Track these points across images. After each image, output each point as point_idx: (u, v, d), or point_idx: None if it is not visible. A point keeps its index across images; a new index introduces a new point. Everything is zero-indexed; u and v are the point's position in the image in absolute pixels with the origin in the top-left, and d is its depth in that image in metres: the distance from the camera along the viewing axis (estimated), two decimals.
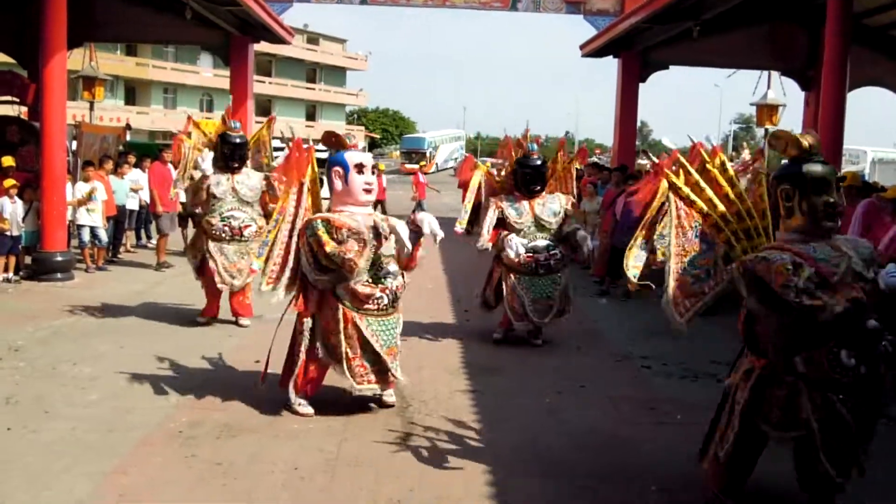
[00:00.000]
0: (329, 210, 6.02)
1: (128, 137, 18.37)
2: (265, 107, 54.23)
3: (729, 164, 4.77)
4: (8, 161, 11.18)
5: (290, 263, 5.91)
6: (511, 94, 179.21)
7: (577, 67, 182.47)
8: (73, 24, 11.54)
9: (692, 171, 4.66)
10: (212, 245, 8.52)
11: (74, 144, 13.89)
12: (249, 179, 8.65)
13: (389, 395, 6.13)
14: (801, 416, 4.14)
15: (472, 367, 7.36)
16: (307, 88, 61.72)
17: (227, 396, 6.21)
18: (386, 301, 5.83)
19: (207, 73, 51.48)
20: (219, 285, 8.59)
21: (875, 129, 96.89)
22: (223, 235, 8.51)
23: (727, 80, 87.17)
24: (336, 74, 65.20)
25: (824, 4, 10.06)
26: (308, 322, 5.96)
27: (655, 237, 6.03)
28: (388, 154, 66.73)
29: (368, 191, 5.96)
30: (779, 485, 4.74)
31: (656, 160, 5.42)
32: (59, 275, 11.05)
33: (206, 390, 6.36)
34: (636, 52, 18.44)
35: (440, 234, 6.02)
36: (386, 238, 5.84)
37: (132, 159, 14.34)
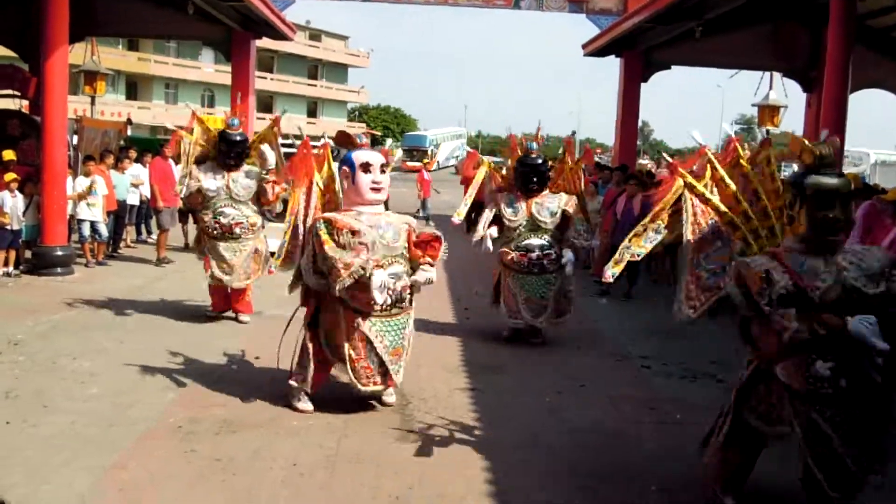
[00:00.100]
0: (339, 209, 6.04)
1: (129, 132, 18.36)
2: (267, 103, 54.24)
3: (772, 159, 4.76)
4: (9, 155, 11.17)
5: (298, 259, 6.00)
6: (512, 93, 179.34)
7: (578, 66, 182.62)
8: (74, 19, 11.54)
9: (719, 167, 4.68)
10: (207, 241, 8.57)
11: (75, 139, 13.87)
12: (244, 178, 8.61)
13: (389, 395, 6.13)
14: (784, 414, 4.18)
15: (472, 365, 7.36)
16: (309, 85, 61.68)
17: (228, 392, 6.22)
18: (389, 302, 5.80)
19: (209, 68, 51.45)
20: (209, 281, 8.66)
21: (877, 132, 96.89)
22: (214, 232, 8.54)
23: (729, 80, 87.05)
24: (338, 71, 65.16)
25: (827, 5, 10.06)
26: (313, 320, 5.99)
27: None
28: (391, 151, 66.51)
29: (376, 190, 5.91)
30: (778, 485, 4.75)
31: (670, 160, 5.40)
32: (59, 269, 11.05)
33: (207, 386, 6.37)
34: (638, 52, 18.43)
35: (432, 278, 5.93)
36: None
37: (133, 154, 14.34)
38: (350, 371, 5.78)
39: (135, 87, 50.55)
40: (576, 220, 8.29)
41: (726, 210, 4.55)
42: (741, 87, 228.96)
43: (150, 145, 17.32)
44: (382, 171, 5.96)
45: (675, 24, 15.31)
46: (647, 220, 5.17)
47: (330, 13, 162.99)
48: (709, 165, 4.74)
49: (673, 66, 18.97)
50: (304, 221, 6.03)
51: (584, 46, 19.76)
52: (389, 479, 4.75)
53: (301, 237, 6.03)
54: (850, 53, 9.84)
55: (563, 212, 8.21)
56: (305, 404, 5.92)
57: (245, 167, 8.66)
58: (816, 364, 4.05)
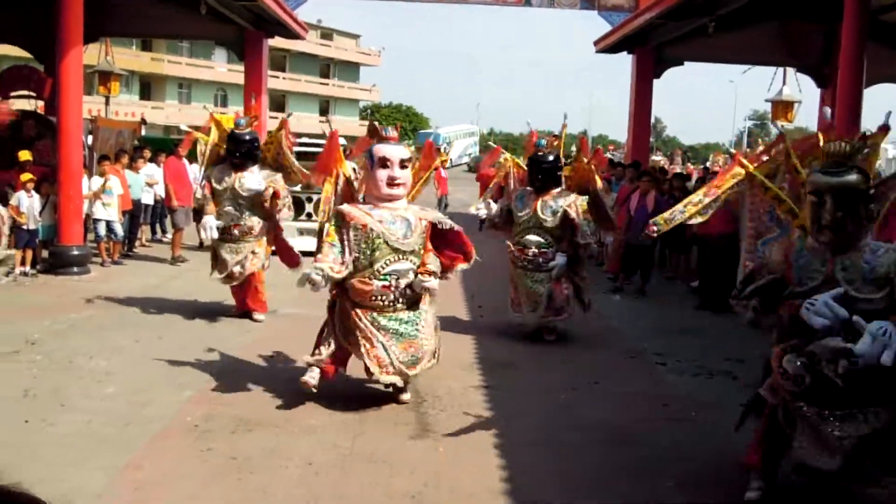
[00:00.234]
0: (355, 201, 6.14)
1: (143, 132, 18.45)
2: (279, 102, 54.28)
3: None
4: (25, 155, 11.25)
5: None
6: (525, 90, 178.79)
7: (590, 63, 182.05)
8: (89, 19, 11.60)
9: (793, 156, 4.72)
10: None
11: (90, 139, 13.96)
12: (249, 179, 8.58)
13: (404, 393, 6.16)
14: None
15: (486, 362, 7.37)
16: (321, 84, 61.71)
17: (243, 390, 6.25)
18: (391, 298, 5.82)
19: (222, 68, 51.54)
20: (212, 279, 8.82)
21: (893, 127, 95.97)
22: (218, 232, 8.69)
23: (742, 76, 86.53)
24: (350, 70, 65.17)
25: (840, 0, 10.00)
26: (333, 304, 6.10)
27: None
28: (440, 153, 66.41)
29: (392, 185, 5.90)
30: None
31: (734, 151, 5.54)
32: (75, 268, 11.13)
33: (222, 384, 6.40)
34: (650, 48, 18.37)
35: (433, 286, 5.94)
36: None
37: (147, 154, 14.43)
38: (367, 357, 5.82)
39: (148, 87, 50.70)
40: (584, 222, 8.13)
41: (786, 198, 4.62)
42: (754, 83, 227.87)
43: (164, 145, 17.40)
44: (403, 167, 5.94)
45: (687, 20, 15.26)
46: (702, 193, 5.23)
47: (341, 12, 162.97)
48: (785, 153, 4.78)
49: (685, 63, 18.91)
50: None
51: (595, 43, 19.72)
52: (404, 478, 4.76)
53: None
54: (864, 48, 9.78)
55: (565, 212, 8.12)
56: (311, 377, 5.91)
57: (253, 168, 8.62)
58: (786, 357, 4.13)
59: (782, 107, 20.05)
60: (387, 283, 5.81)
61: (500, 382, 6.77)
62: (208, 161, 8.80)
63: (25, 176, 10.73)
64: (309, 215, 13.28)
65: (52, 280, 10.74)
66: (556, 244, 8.13)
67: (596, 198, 8.35)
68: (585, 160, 8.60)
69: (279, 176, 8.62)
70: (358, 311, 5.86)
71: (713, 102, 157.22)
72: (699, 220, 5.25)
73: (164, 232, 15.30)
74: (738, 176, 4.98)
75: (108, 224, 12.09)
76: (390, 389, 6.19)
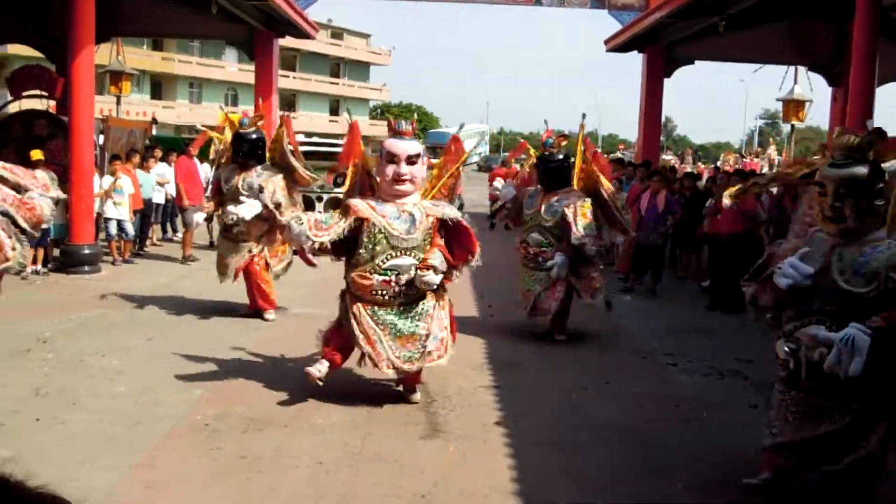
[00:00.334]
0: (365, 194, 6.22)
1: (154, 131, 18.51)
2: (290, 101, 54.42)
3: None
4: (37, 155, 11.27)
5: None
6: (534, 89, 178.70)
7: (600, 62, 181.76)
8: (100, 19, 11.64)
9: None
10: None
11: (101, 138, 14.00)
12: (251, 179, 8.59)
13: (414, 393, 6.16)
14: None
15: (496, 362, 7.36)
16: (331, 83, 61.78)
17: (253, 390, 6.27)
18: (391, 293, 5.85)
19: (232, 67, 51.65)
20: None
21: None
22: (221, 230, 8.76)
23: (753, 75, 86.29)
24: (360, 69, 65.23)
25: None
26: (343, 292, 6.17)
27: None
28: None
29: (398, 181, 5.90)
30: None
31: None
32: (86, 267, 11.17)
33: (232, 383, 6.42)
34: (661, 48, 18.33)
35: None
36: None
37: (158, 153, 14.48)
38: (366, 348, 5.88)
39: (159, 86, 50.85)
40: (582, 223, 8.02)
41: None
42: (765, 82, 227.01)
43: (175, 144, 17.46)
44: (412, 163, 5.91)
45: (698, 19, 15.21)
46: (775, 174, 5.33)
47: (352, 11, 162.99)
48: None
49: (696, 62, 18.86)
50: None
51: (606, 42, 19.68)
52: (413, 477, 4.76)
53: None
54: (876, 46, 9.74)
55: (563, 213, 8.08)
56: (319, 370, 5.93)
57: (258, 168, 8.62)
58: (778, 342, 4.35)
59: (793, 106, 20.00)
60: (387, 279, 5.83)
61: (510, 382, 6.76)
62: (221, 161, 8.84)
63: None
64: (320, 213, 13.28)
65: (63, 279, 10.79)
66: (556, 244, 8.12)
67: (602, 200, 8.25)
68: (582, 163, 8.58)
69: (278, 177, 8.55)
70: (359, 304, 5.93)
71: (724, 101, 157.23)
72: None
73: (174, 231, 15.35)
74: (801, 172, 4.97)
75: (120, 223, 12.14)
76: (400, 388, 6.20)
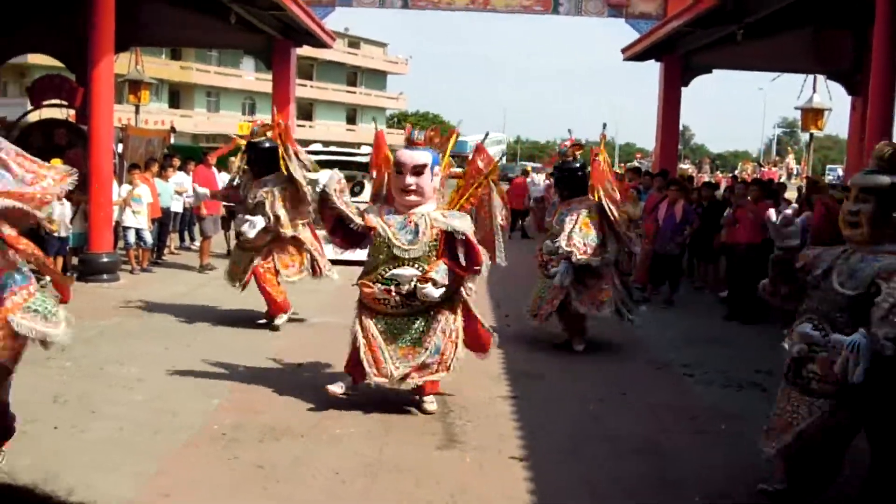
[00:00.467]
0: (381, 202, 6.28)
1: (172, 140, 18.63)
2: (307, 110, 54.64)
3: None
4: (56, 163, 11.35)
5: None
6: (551, 98, 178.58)
7: (617, 70, 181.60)
8: (119, 29, 11.72)
9: None
10: None
11: (120, 147, 14.10)
12: (257, 191, 8.66)
13: (431, 403, 6.15)
14: None
15: (513, 372, 7.34)
16: (348, 92, 62.00)
17: (271, 399, 6.27)
18: (393, 303, 5.89)
19: (250, 76, 51.93)
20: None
21: None
22: (236, 237, 8.97)
23: (771, 83, 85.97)
24: (377, 78, 65.44)
25: (872, 6, 9.89)
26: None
27: None
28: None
29: (405, 192, 5.95)
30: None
31: None
32: (105, 276, 11.23)
33: (250, 392, 6.43)
34: (679, 56, 18.29)
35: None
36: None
37: (177, 162, 14.53)
38: (364, 357, 5.94)
39: (177, 95, 51.19)
40: (581, 234, 8.04)
41: None
42: (784, 90, 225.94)
43: (193, 153, 17.55)
44: (418, 174, 5.92)
45: (716, 27, 15.18)
46: None
47: (369, 20, 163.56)
48: None
49: (714, 70, 18.81)
50: None
51: (623, 51, 19.66)
52: (430, 488, 4.75)
53: None
54: None
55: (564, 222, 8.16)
56: (336, 387, 6.04)
57: (266, 179, 8.65)
58: (784, 342, 4.45)
59: (812, 115, 19.90)
60: (387, 287, 5.88)
61: (527, 392, 6.74)
62: (244, 169, 8.99)
63: None
64: None
65: (81, 287, 10.83)
66: (564, 253, 8.13)
67: (601, 210, 8.18)
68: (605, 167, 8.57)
69: (279, 188, 8.56)
70: (365, 311, 6.03)
71: (742, 110, 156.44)
72: None
73: (192, 240, 15.41)
74: None
75: (138, 232, 12.20)
76: (417, 397, 6.19)
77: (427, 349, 5.94)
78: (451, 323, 6.04)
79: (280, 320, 8.80)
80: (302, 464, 5.03)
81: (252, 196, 8.67)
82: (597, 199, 8.14)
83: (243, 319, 9.01)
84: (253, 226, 8.47)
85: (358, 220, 6.01)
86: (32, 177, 4.87)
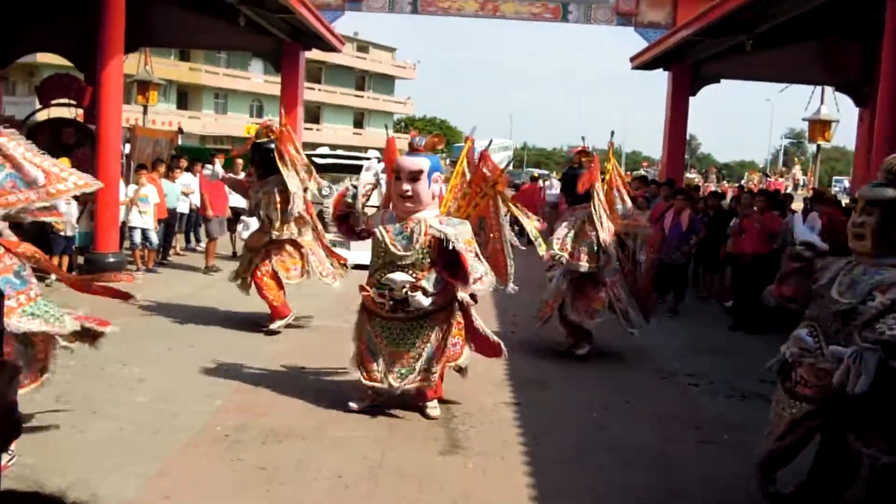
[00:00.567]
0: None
1: (179, 141, 18.67)
2: (314, 113, 54.70)
3: None
4: (64, 162, 11.37)
5: None
6: (558, 104, 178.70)
7: (625, 79, 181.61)
8: (129, 30, 11.75)
9: None
10: None
11: (128, 147, 14.12)
12: (255, 191, 8.70)
13: (434, 409, 6.13)
14: None
15: (517, 379, 7.32)
16: (356, 96, 62.08)
17: (274, 401, 6.27)
18: (388, 307, 5.94)
19: (258, 79, 52.02)
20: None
21: None
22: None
23: (779, 94, 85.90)
24: (385, 82, 65.49)
25: (881, 19, 9.88)
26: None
27: None
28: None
29: (402, 198, 5.99)
30: None
31: None
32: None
33: (253, 394, 6.42)
34: (687, 65, 18.28)
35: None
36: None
37: (184, 163, 14.56)
38: (355, 358, 6.11)
39: (185, 96, 51.27)
40: (577, 239, 8.06)
41: None
42: (791, 101, 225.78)
43: (200, 154, 17.58)
44: (413, 180, 5.93)
45: (725, 37, 15.17)
46: None
47: (377, 25, 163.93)
48: None
49: (722, 80, 18.80)
50: None
51: (631, 59, 19.66)
52: (433, 493, 4.74)
53: None
54: None
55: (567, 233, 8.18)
56: (357, 403, 6.08)
57: (265, 181, 8.65)
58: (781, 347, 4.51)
59: (820, 126, 19.89)
60: (381, 292, 5.94)
61: (531, 399, 6.73)
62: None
63: None
64: None
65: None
66: (565, 259, 8.17)
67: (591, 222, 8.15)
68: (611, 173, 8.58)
69: (275, 190, 8.52)
70: (366, 313, 6.12)
71: (749, 120, 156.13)
72: None
73: (198, 241, 15.43)
74: None
75: (144, 232, 12.21)
76: (420, 402, 6.17)
77: (419, 356, 5.97)
78: (444, 334, 6.02)
79: (275, 325, 8.70)
80: (305, 466, 5.02)
81: (254, 197, 8.72)
82: (594, 209, 8.12)
83: (247, 321, 9.00)
84: (246, 227, 8.55)
85: (362, 224, 6.17)
86: (45, 178, 4.87)
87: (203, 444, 5.34)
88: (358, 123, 62.61)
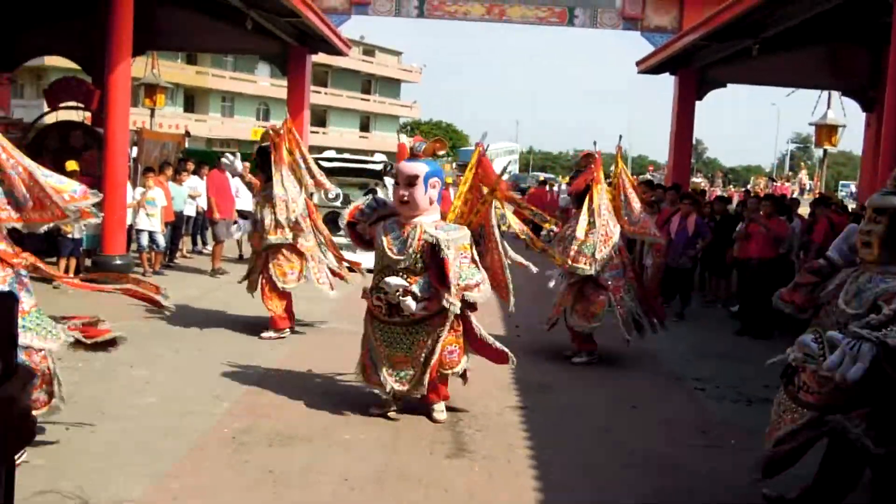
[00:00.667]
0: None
1: (186, 144, 18.72)
2: (321, 117, 54.79)
3: None
4: (71, 165, 11.44)
5: None
6: (564, 108, 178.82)
7: (631, 83, 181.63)
8: (136, 33, 11.80)
9: None
10: None
11: (135, 150, 14.17)
12: (263, 191, 8.72)
13: (440, 412, 6.14)
14: None
15: (523, 383, 7.33)
16: (362, 99, 62.19)
17: (280, 403, 6.28)
18: (385, 311, 5.98)
19: (264, 82, 52.18)
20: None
21: None
22: None
23: (785, 98, 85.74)
24: (390, 86, 65.58)
25: (888, 24, 9.88)
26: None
27: None
28: (441, 166, 66.53)
29: (400, 203, 6.05)
30: None
31: None
32: None
33: (260, 397, 6.44)
34: (693, 70, 18.30)
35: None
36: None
37: (191, 166, 14.61)
38: (359, 359, 6.19)
39: (192, 100, 51.43)
40: (576, 243, 8.03)
41: None
42: (798, 105, 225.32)
43: (207, 158, 17.62)
44: (410, 185, 5.97)
45: (732, 42, 15.18)
46: None
47: (383, 29, 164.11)
48: None
49: (728, 85, 18.80)
50: None
51: (638, 64, 19.68)
52: (439, 497, 4.75)
53: None
54: None
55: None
56: (375, 408, 6.14)
57: (269, 182, 8.65)
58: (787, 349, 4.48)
59: (826, 130, 19.88)
60: (378, 296, 6.00)
61: (537, 403, 6.73)
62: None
63: None
64: None
65: None
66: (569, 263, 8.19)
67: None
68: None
69: (274, 194, 8.50)
70: (368, 317, 6.18)
71: (755, 124, 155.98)
72: None
73: (204, 244, 15.46)
74: None
75: (151, 235, 12.25)
76: (426, 405, 6.18)
77: (415, 361, 5.98)
78: (437, 340, 5.98)
79: (265, 334, 8.60)
80: (311, 469, 5.03)
81: (255, 199, 8.81)
82: (595, 204, 8.14)
83: (254, 324, 9.02)
84: (238, 228, 8.61)
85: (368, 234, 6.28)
86: (40, 197, 4.86)
87: (210, 446, 5.36)
88: (364, 127, 62.71)
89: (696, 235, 11.44)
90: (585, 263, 8.01)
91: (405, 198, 5.98)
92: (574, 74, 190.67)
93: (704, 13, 15.27)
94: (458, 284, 5.84)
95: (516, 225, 6.80)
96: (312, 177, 8.79)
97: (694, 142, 22.56)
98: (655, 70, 19.24)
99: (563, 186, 21.14)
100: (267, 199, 8.53)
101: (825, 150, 22.16)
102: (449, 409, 6.26)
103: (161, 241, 12.48)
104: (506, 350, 6.36)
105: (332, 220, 12.70)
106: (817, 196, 15.84)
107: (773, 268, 10.37)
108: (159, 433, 5.52)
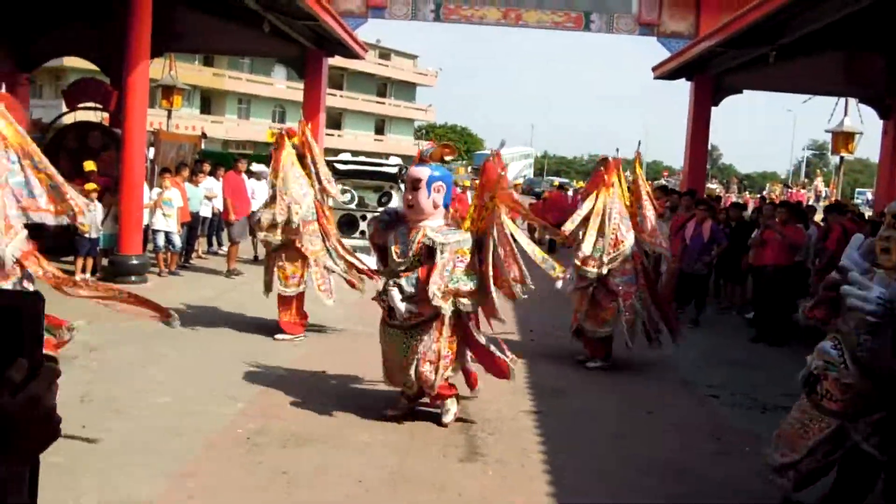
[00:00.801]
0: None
1: (202, 146, 18.82)
2: (336, 120, 54.90)
3: None
4: (90, 166, 11.53)
5: None
6: (579, 113, 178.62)
7: (647, 88, 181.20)
8: (155, 35, 11.85)
9: None
10: None
11: (152, 151, 14.24)
12: (272, 190, 8.76)
13: (447, 415, 6.13)
14: None
15: (537, 387, 7.33)
16: (377, 103, 62.29)
17: (295, 404, 6.31)
18: (387, 314, 6.04)
19: (281, 84, 52.34)
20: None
21: None
22: None
23: (802, 105, 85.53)
24: (406, 89, 65.65)
25: None
26: None
27: None
28: (456, 170, 66.59)
29: (406, 206, 6.12)
30: None
31: None
32: (133, 277, 11.33)
33: (273, 398, 6.46)
34: (709, 76, 18.23)
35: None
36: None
37: (207, 167, 14.66)
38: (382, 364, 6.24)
39: (209, 101, 51.65)
40: (587, 244, 8.05)
41: None
42: (814, 112, 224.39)
43: (223, 159, 17.69)
44: (415, 188, 6.00)
45: (749, 48, 15.11)
46: None
47: (399, 32, 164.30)
48: None
49: (744, 91, 18.72)
50: None
51: (654, 69, 19.62)
52: (452, 500, 4.75)
53: None
54: None
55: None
56: (391, 410, 6.19)
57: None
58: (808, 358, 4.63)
59: (843, 137, 19.76)
60: (382, 298, 6.04)
61: (551, 408, 6.73)
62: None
63: (90, 186, 10.97)
64: (363, 233, 13.06)
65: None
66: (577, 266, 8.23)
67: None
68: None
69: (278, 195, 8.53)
70: (382, 320, 6.20)
71: (771, 131, 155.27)
72: None
73: (220, 245, 15.51)
74: None
75: (167, 235, 12.31)
76: (438, 411, 6.19)
77: (410, 365, 5.96)
78: (432, 346, 5.95)
79: (279, 336, 8.64)
80: (325, 471, 5.05)
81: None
82: (603, 208, 8.14)
83: (269, 325, 9.04)
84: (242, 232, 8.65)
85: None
86: (48, 197, 4.95)
87: (224, 447, 5.38)
88: (379, 130, 62.80)
89: (711, 241, 11.40)
90: (593, 266, 8.01)
91: (410, 201, 6.06)
92: (589, 79, 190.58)
93: (721, 19, 15.22)
94: (448, 286, 5.80)
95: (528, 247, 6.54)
96: (318, 182, 8.79)
97: (709, 148, 22.49)
98: (671, 76, 19.18)
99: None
100: (272, 198, 8.58)
101: (842, 158, 22.05)
102: (462, 412, 6.26)
103: (177, 241, 12.54)
104: (507, 361, 6.16)
105: (346, 223, 12.73)
106: (831, 203, 15.77)
107: (788, 275, 10.33)
108: (174, 433, 5.55)
